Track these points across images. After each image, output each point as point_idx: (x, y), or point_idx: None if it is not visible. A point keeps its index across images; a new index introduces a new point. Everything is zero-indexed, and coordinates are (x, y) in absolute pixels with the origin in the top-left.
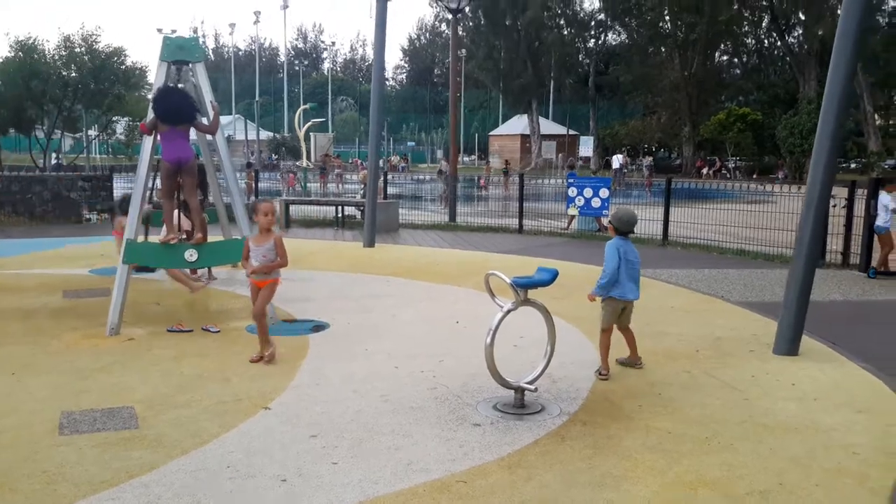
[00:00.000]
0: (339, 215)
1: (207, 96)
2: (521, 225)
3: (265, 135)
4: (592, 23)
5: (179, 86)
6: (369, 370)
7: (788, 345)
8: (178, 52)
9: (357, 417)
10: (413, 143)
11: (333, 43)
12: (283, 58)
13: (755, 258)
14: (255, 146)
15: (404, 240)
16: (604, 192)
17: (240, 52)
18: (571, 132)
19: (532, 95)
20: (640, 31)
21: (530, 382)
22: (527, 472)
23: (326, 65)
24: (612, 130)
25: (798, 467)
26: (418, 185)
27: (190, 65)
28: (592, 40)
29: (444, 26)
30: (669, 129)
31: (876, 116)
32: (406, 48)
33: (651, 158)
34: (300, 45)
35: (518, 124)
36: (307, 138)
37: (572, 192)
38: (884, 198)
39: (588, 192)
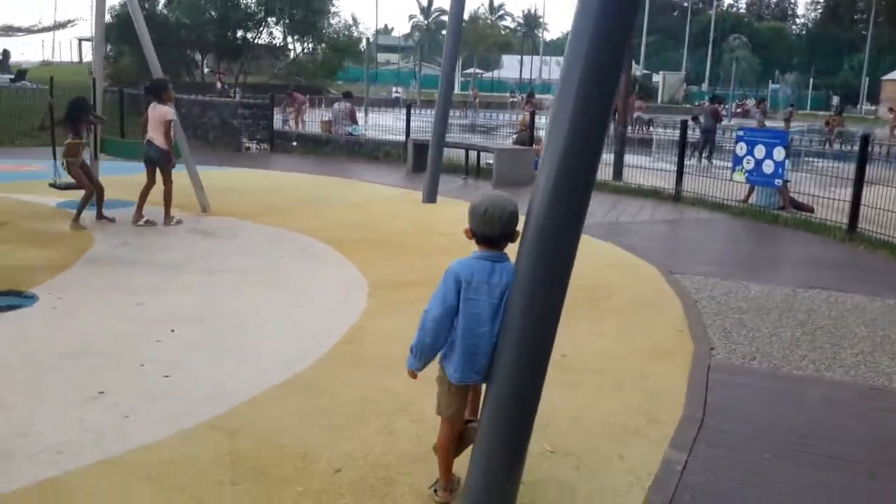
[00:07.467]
0: (475, 162)
1: None
2: (677, 191)
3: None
4: None
5: None
6: None
7: None
8: None
9: None
10: (778, 86)
11: None
12: None
13: None
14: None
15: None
16: (778, 153)
17: None
18: None
19: None
20: None
21: None
22: None
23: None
24: None
25: None
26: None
27: None
28: None
29: None
30: None
31: None
32: None
33: None
34: None
35: None
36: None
37: (740, 149)
38: None
39: (759, 152)
